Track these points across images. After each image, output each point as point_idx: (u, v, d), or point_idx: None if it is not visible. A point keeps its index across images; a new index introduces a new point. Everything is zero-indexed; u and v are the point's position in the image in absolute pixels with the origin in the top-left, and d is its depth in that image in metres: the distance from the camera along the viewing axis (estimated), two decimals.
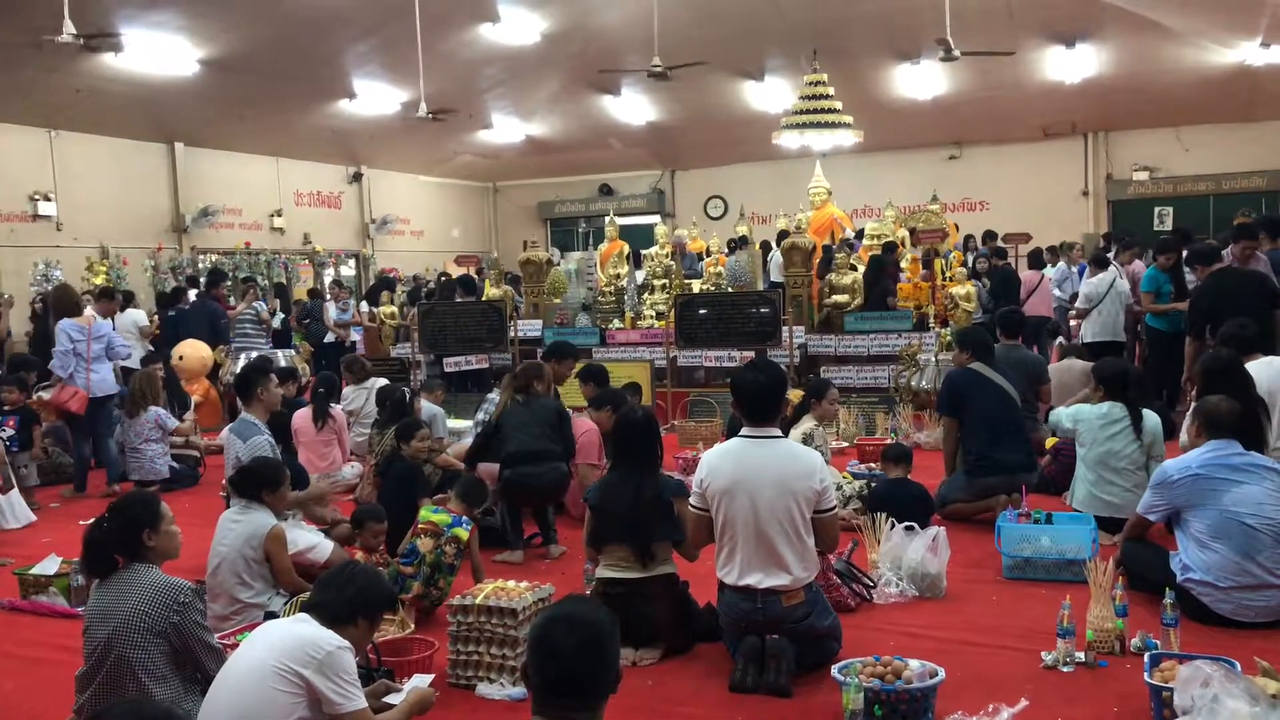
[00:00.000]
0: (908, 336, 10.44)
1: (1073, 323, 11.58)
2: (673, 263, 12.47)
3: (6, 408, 8.56)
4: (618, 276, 12.89)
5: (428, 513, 5.09)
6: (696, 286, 12.21)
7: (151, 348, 11.80)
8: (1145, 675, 3.57)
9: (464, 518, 5.13)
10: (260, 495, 4.85)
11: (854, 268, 11.70)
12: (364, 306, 14.72)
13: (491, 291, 13.07)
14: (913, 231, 12.32)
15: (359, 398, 9.00)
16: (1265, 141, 18.12)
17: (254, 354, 11.44)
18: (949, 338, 9.97)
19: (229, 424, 6.53)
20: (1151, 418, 5.83)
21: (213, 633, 3.59)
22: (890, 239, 12.57)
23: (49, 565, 5.56)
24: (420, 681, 3.79)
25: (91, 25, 11.03)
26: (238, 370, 10.73)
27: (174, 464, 8.68)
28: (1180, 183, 19.13)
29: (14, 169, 14.45)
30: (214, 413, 11.29)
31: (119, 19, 12.42)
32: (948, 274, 11.69)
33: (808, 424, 6.72)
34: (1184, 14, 14.51)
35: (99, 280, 14.99)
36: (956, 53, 12.78)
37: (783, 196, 17.85)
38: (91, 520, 3.71)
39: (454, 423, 9.28)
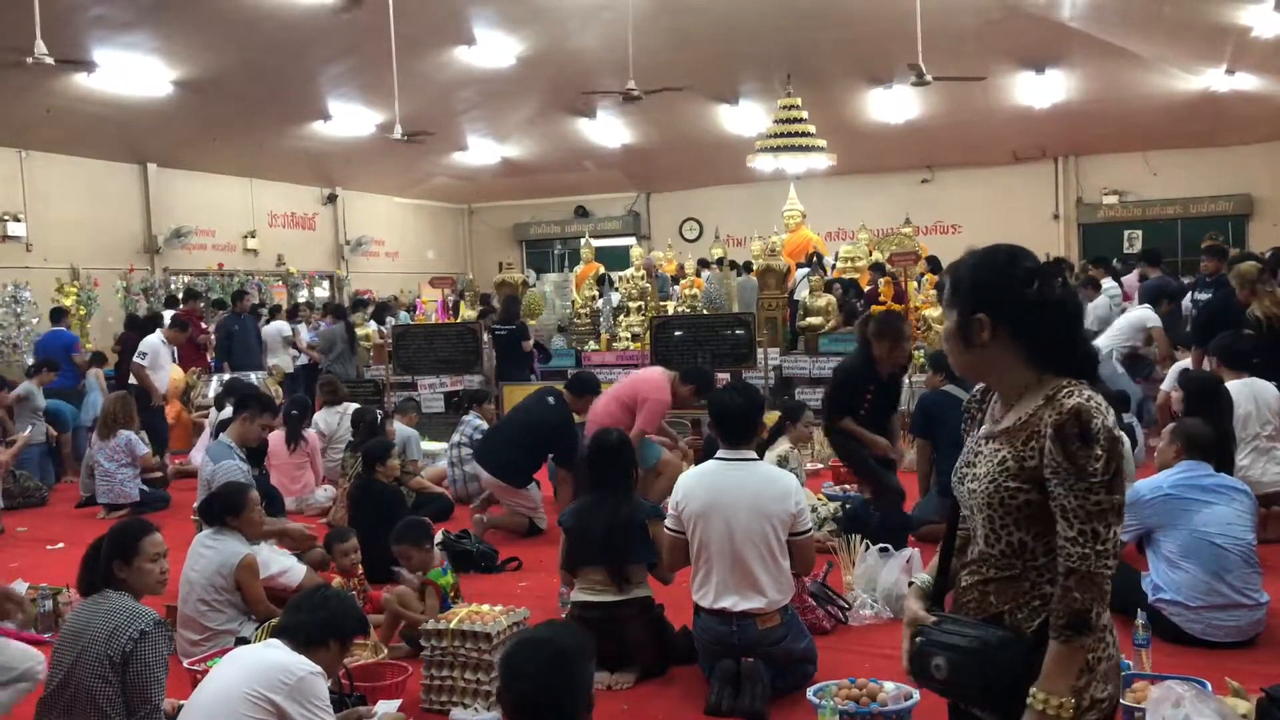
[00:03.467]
0: None
1: None
2: (648, 285, 12.50)
3: None
4: (593, 298, 12.91)
5: (447, 578, 4.92)
6: (671, 308, 12.23)
7: (296, 353, 13.52)
8: None
9: (445, 565, 5.05)
10: (225, 520, 4.80)
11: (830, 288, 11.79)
12: (371, 325, 14.57)
13: (466, 313, 13.05)
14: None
15: (332, 420, 8.93)
16: (1231, 166, 18.41)
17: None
18: (922, 360, 10.02)
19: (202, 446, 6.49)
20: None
21: (166, 672, 3.38)
22: (869, 261, 12.72)
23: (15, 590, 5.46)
24: (388, 706, 3.76)
25: (64, 45, 10.96)
26: (210, 394, 10.67)
27: (144, 487, 8.57)
28: (1149, 206, 19.39)
29: None
30: (185, 435, 11.18)
31: (92, 39, 12.36)
32: (920, 296, 11.78)
33: (783, 446, 6.74)
34: (1151, 41, 14.76)
35: (68, 302, 14.85)
36: (928, 77, 12.94)
37: (757, 219, 17.94)
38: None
39: (428, 445, 9.23)
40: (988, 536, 2.09)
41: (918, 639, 2.14)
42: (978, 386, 2.27)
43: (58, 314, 12.50)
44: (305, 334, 14.23)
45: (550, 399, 7.24)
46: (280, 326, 13.99)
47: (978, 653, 2.03)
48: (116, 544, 3.49)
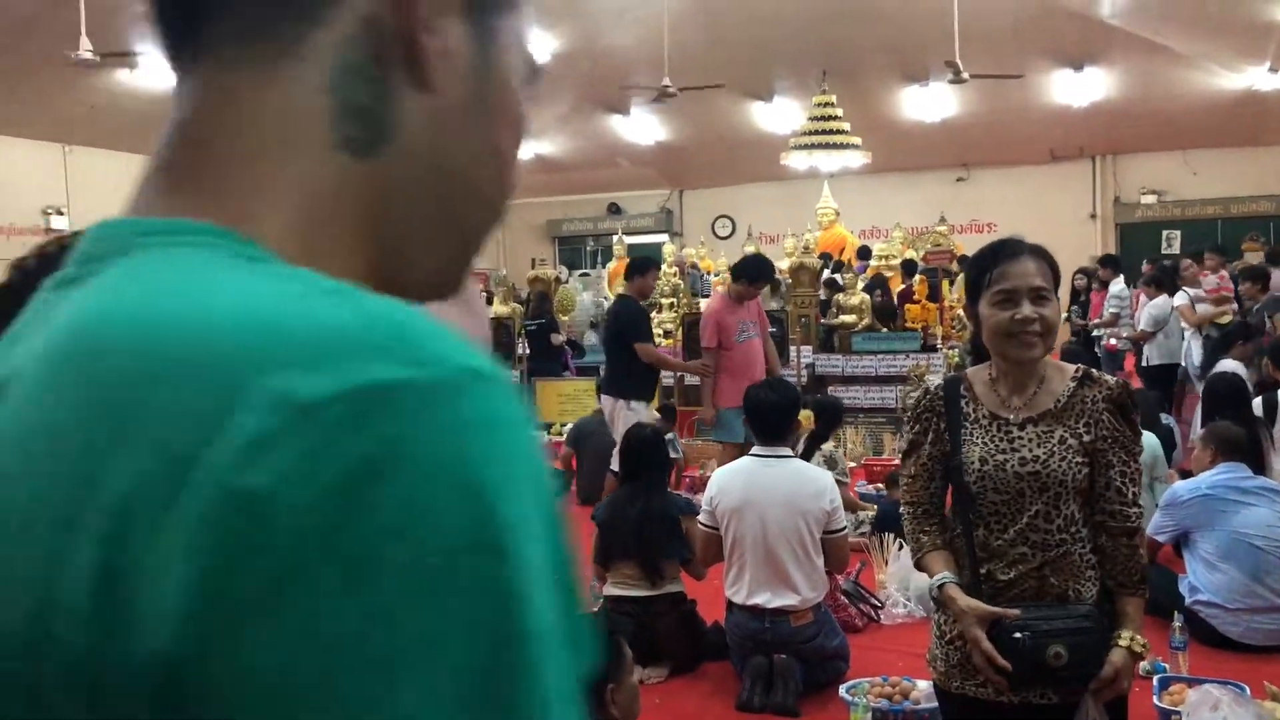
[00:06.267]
0: (915, 357, 10.44)
1: (1111, 341, 11.46)
2: (680, 282, 12.50)
3: None
4: None
5: None
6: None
7: None
8: (1154, 699, 3.57)
9: None
10: None
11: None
12: None
13: (499, 308, 13.09)
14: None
15: None
16: (1273, 166, 18.10)
17: None
18: (956, 359, 9.98)
19: None
20: (1150, 439, 5.82)
21: None
22: (904, 258, 12.68)
23: None
24: None
25: (108, 41, 11.12)
26: None
27: None
28: (1188, 206, 19.13)
29: (27, 184, 14.54)
30: None
31: (135, 35, 12.52)
32: (955, 295, 11.71)
33: (829, 445, 6.73)
34: (1192, 39, 14.57)
35: None
36: (965, 75, 12.85)
37: (791, 217, 17.85)
38: None
39: None
40: (1047, 514, 2.17)
41: (1017, 635, 2.10)
42: (936, 384, 2.41)
43: None
44: None
45: None
46: None
47: (1093, 630, 2.12)
48: None
